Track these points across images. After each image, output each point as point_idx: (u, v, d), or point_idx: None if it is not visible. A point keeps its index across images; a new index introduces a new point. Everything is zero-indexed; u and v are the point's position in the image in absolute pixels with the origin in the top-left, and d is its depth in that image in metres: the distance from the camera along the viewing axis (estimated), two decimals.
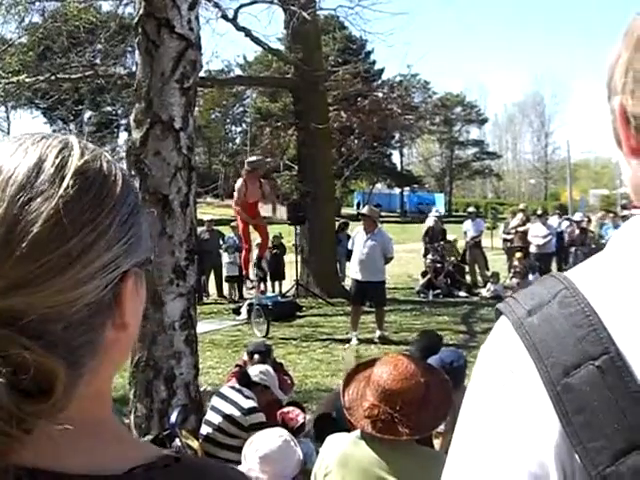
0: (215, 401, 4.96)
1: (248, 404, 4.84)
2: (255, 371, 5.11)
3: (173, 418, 4.08)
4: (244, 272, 12.53)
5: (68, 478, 0.67)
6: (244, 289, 15.15)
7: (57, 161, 0.70)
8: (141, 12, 5.04)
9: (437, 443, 4.34)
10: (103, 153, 0.75)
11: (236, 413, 4.82)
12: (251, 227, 11.70)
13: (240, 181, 11.32)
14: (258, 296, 12.81)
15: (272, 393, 5.22)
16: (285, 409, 5.07)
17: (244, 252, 12.06)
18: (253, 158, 12.47)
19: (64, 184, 0.68)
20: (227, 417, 4.85)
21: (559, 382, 0.73)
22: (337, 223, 16.81)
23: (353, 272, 10.72)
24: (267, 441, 3.64)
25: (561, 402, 0.72)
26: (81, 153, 0.72)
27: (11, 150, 0.70)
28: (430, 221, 17.27)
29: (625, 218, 0.87)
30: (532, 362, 0.75)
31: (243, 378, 5.02)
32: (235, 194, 11.39)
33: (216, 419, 4.88)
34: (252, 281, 13.17)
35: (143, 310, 0.79)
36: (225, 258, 15.25)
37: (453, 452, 0.81)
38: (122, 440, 0.77)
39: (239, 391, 4.97)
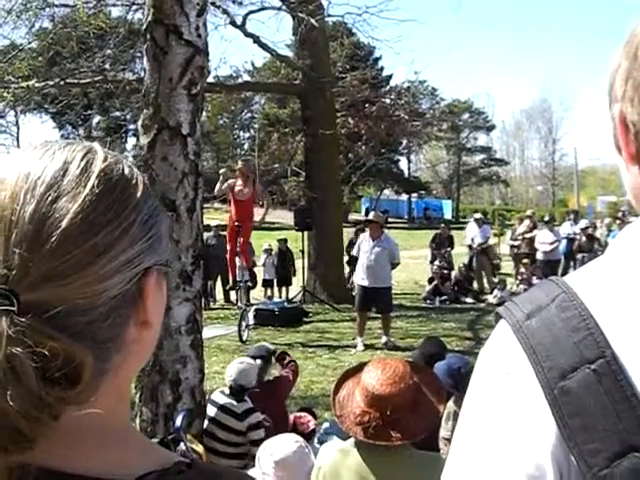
0: (210, 410, 4.94)
1: (242, 408, 4.82)
2: (241, 377, 4.97)
3: (178, 422, 4.07)
4: (230, 274, 12.19)
5: None
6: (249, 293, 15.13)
7: (82, 163, 0.73)
8: (150, 18, 5.07)
9: (447, 450, 4.31)
10: (124, 159, 0.79)
11: (232, 420, 4.80)
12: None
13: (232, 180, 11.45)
14: (265, 301, 12.84)
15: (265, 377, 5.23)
16: (298, 414, 5.07)
17: (229, 253, 11.84)
18: (246, 157, 12.61)
19: (89, 184, 0.72)
20: (223, 426, 4.83)
21: (556, 385, 0.74)
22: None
23: (359, 278, 10.69)
24: (283, 446, 3.63)
25: (558, 405, 0.73)
26: (105, 157, 0.76)
27: (39, 155, 0.74)
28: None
29: None
30: (530, 365, 0.76)
31: (238, 393, 4.93)
32: (219, 184, 11.34)
33: (214, 429, 4.87)
34: (236, 285, 12.46)
35: None
36: (236, 262, 15.11)
37: (452, 453, 0.82)
38: (138, 444, 0.78)
39: (229, 396, 4.92)
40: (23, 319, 0.65)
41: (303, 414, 5.33)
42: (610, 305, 0.76)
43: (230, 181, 11.40)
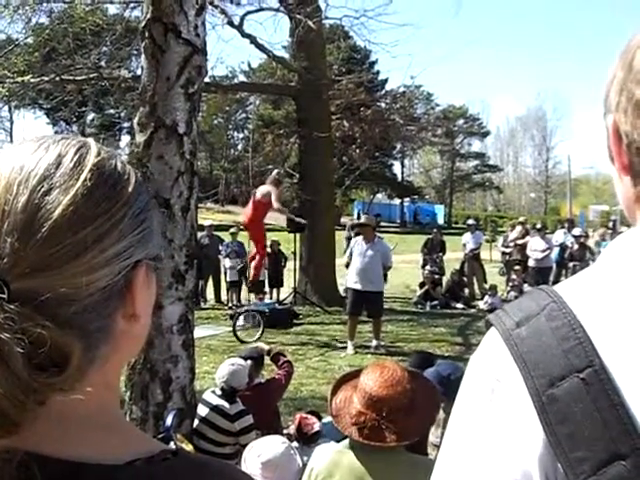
0: (201, 410, 4.92)
1: (234, 409, 4.80)
2: (232, 378, 4.93)
3: (168, 421, 4.07)
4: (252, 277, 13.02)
5: (70, 465, 0.70)
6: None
7: (76, 157, 0.75)
8: (148, 16, 5.06)
9: (435, 455, 4.31)
10: (118, 154, 0.81)
11: (223, 421, 4.79)
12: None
13: (269, 188, 11.86)
14: (256, 302, 12.93)
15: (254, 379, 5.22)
16: (304, 415, 5.08)
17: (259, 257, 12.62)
18: (280, 171, 13.53)
19: (82, 177, 0.73)
20: (214, 426, 4.81)
21: (544, 393, 0.74)
22: None
23: (352, 282, 10.54)
24: (269, 447, 3.63)
25: (546, 412, 0.74)
26: (98, 152, 0.77)
27: (33, 148, 0.75)
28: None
29: None
30: (519, 372, 0.77)
31: (229, 395, 4.89)
32: (274, 196, 11.81)
33: (204, 429, 4.85)
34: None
35: None
36: (227, 263, 15.14)
37: (440, 457, 0.83)
38: (125, 431, 0.80)
39: (221, 397, 4.91)
40: (12, 306, 0.66)
41: (310, 415, 5.34)
42: (599, 315, 0.77)
43: (272, 190, 11.85)
